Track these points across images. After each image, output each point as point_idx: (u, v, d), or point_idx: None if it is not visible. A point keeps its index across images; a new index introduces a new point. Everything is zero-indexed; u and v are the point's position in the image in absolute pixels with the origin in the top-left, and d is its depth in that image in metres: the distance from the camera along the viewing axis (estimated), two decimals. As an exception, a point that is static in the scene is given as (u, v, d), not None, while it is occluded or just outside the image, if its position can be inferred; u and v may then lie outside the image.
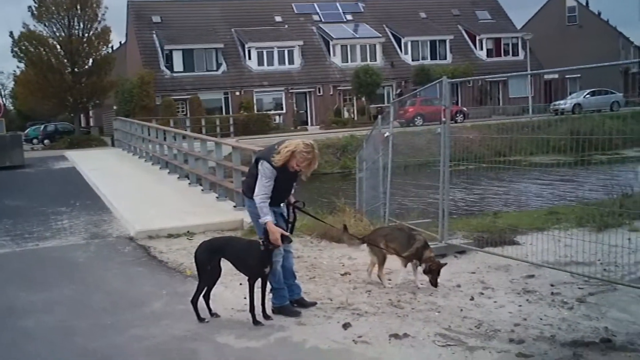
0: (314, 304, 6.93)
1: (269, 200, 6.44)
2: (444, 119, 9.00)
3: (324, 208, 14.72)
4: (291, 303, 6.85)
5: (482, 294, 7.11)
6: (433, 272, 7.36)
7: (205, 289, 6.67)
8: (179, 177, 19.08)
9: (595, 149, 8.14)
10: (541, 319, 6.21)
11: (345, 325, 6.22)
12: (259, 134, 39.11)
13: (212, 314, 6.70)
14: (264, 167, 6.48)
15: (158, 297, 7.65)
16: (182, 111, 46.09)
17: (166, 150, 21.55)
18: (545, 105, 47.13)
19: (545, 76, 52.20)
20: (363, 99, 48.75)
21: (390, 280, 7.76)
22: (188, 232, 11.37)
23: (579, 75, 54.73)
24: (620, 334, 5.72)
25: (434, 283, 7.36)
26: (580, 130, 9.56)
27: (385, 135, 12.39)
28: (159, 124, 26.58)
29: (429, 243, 7.88)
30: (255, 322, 6.39)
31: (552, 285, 7.24)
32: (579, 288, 7.14)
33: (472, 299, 6.95)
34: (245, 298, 7.25)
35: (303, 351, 5.72)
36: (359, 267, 8.56)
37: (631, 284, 6.99)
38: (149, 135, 23.96)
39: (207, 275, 6.63)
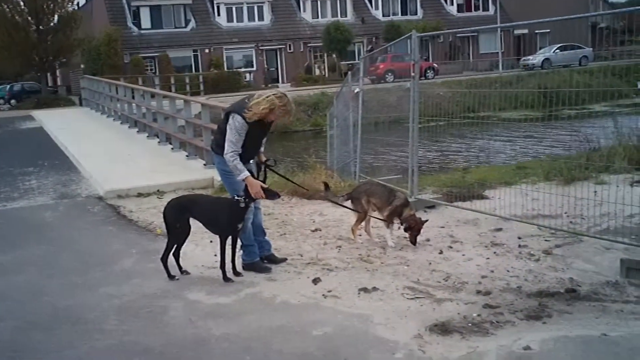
0: (284, 260, 6.97)
1: (238, 157, 6.32)
2: (413, 74, 8.98)
3: (295, 166, 14.76)
4: (261, 259, 6.86)
5: (451, 247, 7.20)
6: (413, 230, 7.33)
7: (175, 246, 6.66)
8: (148, 136, 18.91)
9: (563, 103, 8.20)
10: (508, 271, 6.32)
11: (315, 280, 6.28)
12: (230, 92, 38.73)
13: (183, 272, 6.71)
14: (235, 121, 6.32)
15: (128, 256, 7.63)
16: (151, 69, 45.51)
17: (135, 109, 21.32)
18: (515, 60, 47.23)
19: (515, 31, 52.22)
20: (334, 55, 48.44)
21: (360, 235, 7.82)
22: (158, 191, 11.31)
23: (548, 30, 54.85)
24: (585, 284, 5.84)
25: (413, 241, 7.34)
26: (548, 85, 9.61)
27: (355, 91, 12.35)
28: (127, 83, 26.19)
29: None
30: (226, 279, 6.41)
31: (519, 238, 7.35)
32: (546, 240, 7.26)
33: (440, 252, 7.04)
34: (215, 255, 7.27)
35: (273, 306, 5.77)
36: (329, 223, 8.60)
37: (596, 235, 7.11)
38: (117, 93, 23.63)
39: (176, 233, 6.60)
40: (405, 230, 7.41)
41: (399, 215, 7.48)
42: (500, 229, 7.75)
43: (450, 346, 4.74)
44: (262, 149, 6.82)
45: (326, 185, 8.22)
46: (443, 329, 5.00)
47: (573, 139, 12.42)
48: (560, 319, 5.13)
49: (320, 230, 8.28)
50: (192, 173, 12.75)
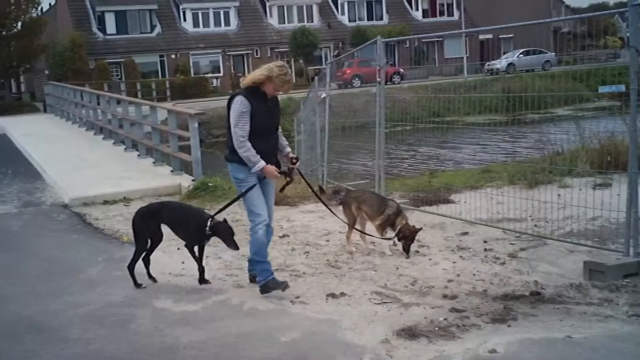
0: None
1: (249, 143, 5.81)
2: (378, 79, 9.05)
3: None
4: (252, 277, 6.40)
5: (418, 252, 7.25)
6: (406, 239, 7.14)
7: (144, 254, 6.60)
8: (114, 143, 18.73)
9: (526, 107, 8.33)
10: (474, 275, 6.39)
11: (284, 288, 6.27)
12: (197, 98, 38.60)
13: (151, 279, 6.64)
14: (234, 102, 5.86)
15: (94, 264, 7.55)
16: (117, 75, 45.10)
17: (100, 115, 21.12)
18: (480, 65, 47.74)
19: (480, 36, 52.85)
20: (301, 61, 48.53)
21: (328, 241, 7.83)
22: (124, 198, 11.21)
23: (512, 35, 55.60)
24: (549, 287, 5.92)
25: (407, 249, 7.12)
26: (512, 89, 9.75)
27: (322, 96, 12.39)
28: (93, 89, 25.92)
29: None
30: (203, 281, 6.46)
31: (485, 242, 7.43)
32: (511, 244, 7.35)
33: (407, 257, 7.08)
34: (183, 263, 7.26)
35: (241, 313, 5.76)
36: (297, 229, 8.61)
37: (560, 238, 7.22)
38: (82, 100, 23.38)
39: (145, 242, 6.52)
40: (399, 239, 7.20)
41: (392, 225, 7.28)
42: (466, 233, 7.83)
43: (418, 350, 4.77)
44: (283, 142, 6.25)
45: (321, 189, 8.04)
46: (410, 333, 5.03)
47: (537, 143, 12.60)
48: (525, 322, 5.20)
49: (288, 236, 8.28)
50: (159, 179, 12.66)
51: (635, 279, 5.92)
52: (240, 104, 5.82)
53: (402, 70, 41.52)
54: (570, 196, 7.64)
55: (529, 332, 4.93)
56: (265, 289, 6.01)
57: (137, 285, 6.50)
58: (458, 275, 6.39)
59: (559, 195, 8.21)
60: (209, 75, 47.25)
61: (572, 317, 5.27)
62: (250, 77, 5.97)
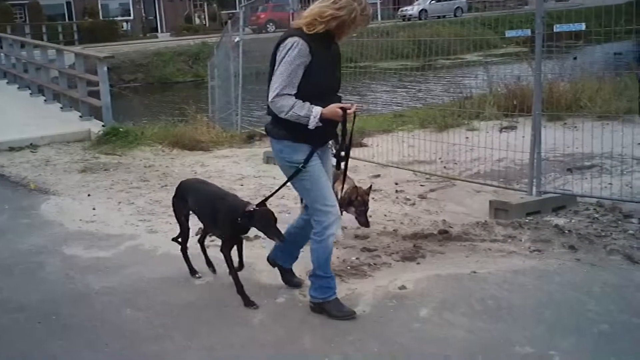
0: (299, 284, 4.96)
1: (293, 97, 4.11)
2: (292, 23, 8.97)
3: (176, 117, 14.50)
4: (283, 270, 5.01)
5: (331, 194, 7.33)
6: (356, 207, 5.70)
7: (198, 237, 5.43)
8: (19, 88, 18.02)
9: (437, 54, 8.47)
10: (385, 215, 6.55)
11: (198, 231, 6.24)
12: (106, 42, 37.33)
13: (210, 268, 5.35)
14: (289, 46, 4.08)
15: (0, 212, 7.33)
16: (21, 17, 43.02)
17: (4, 59, 20.20)
18: (394, 10, 47.89)
19: (394, -18, 52.83)
20: (214, 4, 47.50)
21: (242, 185, 7.82)
22: (31, 144, 10.82)
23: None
24: (457, 226, 6.14)
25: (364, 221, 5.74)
26: (422, 36, 9.85)
27: (236, 40, 12.22)
28: (-6, 31, 24.70)
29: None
30: (249, 303, 4.67)
31: (396, 184, 7.60)
32: (421, 185, 7.56)
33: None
34: (94, 209, 7.13)
35: (155, 258, 5.72)
36: (211, 174, 8.57)
37: (468, 179, 7.48)
38: (-17, 43, 22.24)
39: (182, 223, 5.24)
40: (346, 210, 5.71)
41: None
42: (378, 176, 7.98)
43: (330, 289, 4.87)
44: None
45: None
46: (323, 273, 5.12)
47: (447, 88, 12.86)
48: (434, 259, 5.39)
49: (202, 181, 8.23)
50: (67, 125, 12.26)
51: (537, 217, 6.22)
52: (298, 50, 4.07)
53: (316, 15, 41.15)
54: (478, 139, 7.88)
55: (436, 269, 5.12)
56: (321, 309, 4.47)
57: (193, 272, 5.26)
58: (370, 216, 6.50)
59: (467, 138, 8.45)
60: (119, 18, 45.68)
61: (477, 253, 5.49)
62: (322, 15, 4.11)
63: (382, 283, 4.92)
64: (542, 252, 5.45)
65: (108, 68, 12.47)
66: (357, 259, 5.45)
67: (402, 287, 4.78)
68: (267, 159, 9.06)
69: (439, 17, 36.45)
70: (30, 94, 16.71)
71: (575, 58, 11.44)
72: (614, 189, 6.68)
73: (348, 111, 4.15)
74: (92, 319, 4.59)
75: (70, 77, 14.19)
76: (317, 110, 4.07)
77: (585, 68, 11.25)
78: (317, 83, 4.14)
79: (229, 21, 15.07)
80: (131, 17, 46.87)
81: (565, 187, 6.83)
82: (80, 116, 12.81)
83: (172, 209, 5.31)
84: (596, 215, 6.19)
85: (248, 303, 4.65)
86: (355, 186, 5.74)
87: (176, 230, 5.30)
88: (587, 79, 10.75)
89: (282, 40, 4.14)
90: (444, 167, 8.04)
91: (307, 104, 4.08)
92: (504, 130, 9.07)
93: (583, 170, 7.35)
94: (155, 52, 33.00)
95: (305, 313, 4.49)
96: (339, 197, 5.13)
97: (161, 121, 13.50)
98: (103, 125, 11.48)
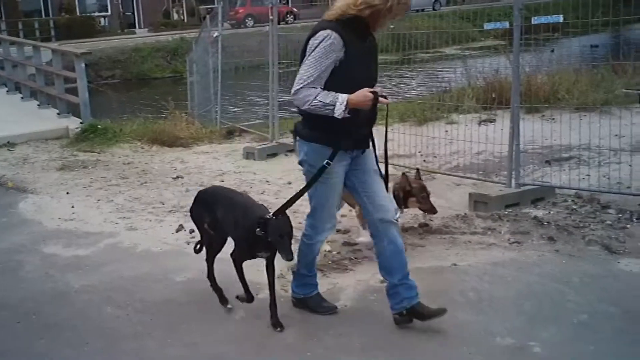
0: (441, 312, 4.14)
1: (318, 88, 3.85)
2: (271, 17, 8.97)
3: (155, 114, 14.43)
4: (400, 314, 4.22)
5: (310, 189, 7.32)
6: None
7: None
8: (-5, 86, 17.81)
9: (416, 47, 8.49)
10: (365, 210, 6.54)
11: (178, 228, 6.23)
12: (83, 38, 36.97)
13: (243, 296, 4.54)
14: (321, 39, 3.82)
15: (-23, 211, 7.26)
16: (-5, 14, 42.54)
17: (-22, 56, 19.92)
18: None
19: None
20: (192, -1, 47.25)
21: (222, 181, 7.79)
22: (8, 142, 10.71)
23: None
24: (437, 219, 6.13)
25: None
26: (401, 29, 9.86)
27: (215, 36, 12.16)
28: (-31, 28, 24.40)
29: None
30: (277, 325, 4.27)
31: (376, 178, 7.59)
32: (401, 179, 7.56)
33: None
34: (73, 207, 7.08)
35: (134, 255, 5.70)
36: (191, 170, 8.55)
37: (447, 172, 7.50)
38: (-42, 40, 21.93)
39: (203, 234, 4.76)
40: (406, 205, 5.52)
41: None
42: (358, 170, 7.97)
43: (311, 283, 4.87)
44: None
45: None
46: (304, 267, 5.12)
47: (426, 82, 12.90)
48: (414, 252, 5.39)
49: (182, 177, 8.20)
50: (45, 123, 12.15)
51: (516, 209, 6.26)
52: (330, 44, 3.80)
53: (295, 9, 41.10)
54: (457, 132, 7.91)
55: (417, 262, 5.12)
56: (303, 305, 4.51)
57: (223, 302, 4.65)
58: (350, 210, 6.52)
59: (446, 131, 8.49)
60: (96, 14, 45.25)
61: (457, 246, 5.52)
62: (355, 3, 3.83)
63: (364, 277, 4.94)
64: (521, 243, 5.49)
65: (85, 64, 12.36)
66: (338, 253, 5.46)
67: (383, 281, 4.77)
68: (247, 155, 9.05)
69: (417, 10, 36.59)
70: (7, 91, 16.50)
71: (552, 50, 11.50)
72: (591, 180, 6.75)
73: (380, 99, 3.90)
74: (73, 318, 4.56)
75: (48, 74, 14.07)
76: (343, 96, 3.79)
77: (563, 60, 11.32)
78: (353, 78, 3.87)
79: (208, 16, 14.97)
80: (108, 13, 46.40)
81: (544, 179, 6.88)
82: (58, 113, 12.70)
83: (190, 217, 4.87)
84: (574, 207, 6.24)
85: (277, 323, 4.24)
86: (404, 173, 5.59)
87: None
88: (564, 71, 10.81)
89: (314, 33, 3.88)
90: (424, 160, 8.05)
91: (333, 92, 3.81)
92: (482, 123, 9.10)
93: (561, 162, 7.40)
94: (133, 48, 32.74)
95: (288, 308, 4.49)
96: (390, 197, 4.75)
97: (140, 118, 13.42)
98: (81, 123, 11.40)
